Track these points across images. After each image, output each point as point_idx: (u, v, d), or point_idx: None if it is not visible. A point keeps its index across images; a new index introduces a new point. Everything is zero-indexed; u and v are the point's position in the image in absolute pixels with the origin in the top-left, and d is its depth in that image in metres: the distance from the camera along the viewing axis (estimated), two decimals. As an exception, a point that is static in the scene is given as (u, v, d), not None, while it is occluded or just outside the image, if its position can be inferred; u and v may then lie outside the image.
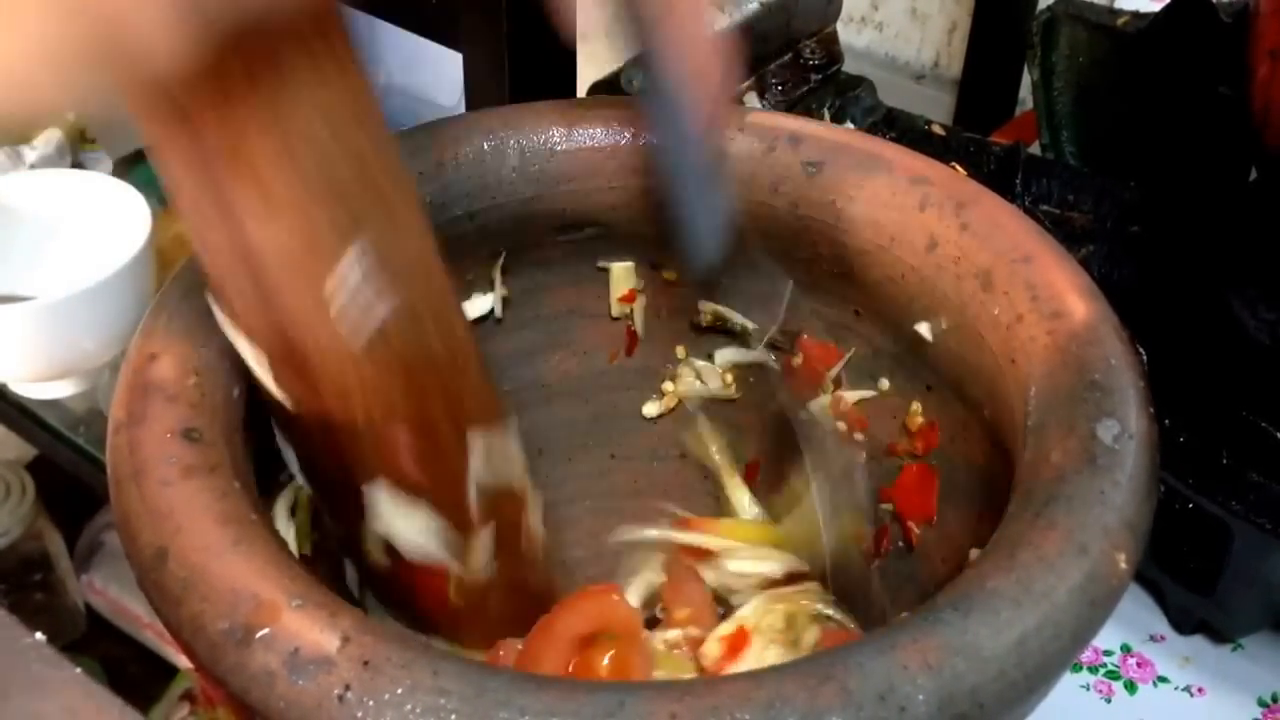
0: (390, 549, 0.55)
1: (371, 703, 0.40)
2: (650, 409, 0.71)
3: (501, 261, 0.66)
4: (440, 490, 0.55)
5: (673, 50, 0.56)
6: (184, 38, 0.37)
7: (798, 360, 0.66)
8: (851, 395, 0.65)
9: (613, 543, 0.68)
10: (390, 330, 0.50)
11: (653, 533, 0.67)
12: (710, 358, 0.69)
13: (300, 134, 0.46)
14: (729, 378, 0.69)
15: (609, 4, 0.57)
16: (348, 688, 0.40)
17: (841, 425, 0.66)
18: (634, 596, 0.66)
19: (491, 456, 0.56)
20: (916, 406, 0.63)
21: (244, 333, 0.51)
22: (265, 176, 0.46)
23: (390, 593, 0.58)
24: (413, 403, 0.53)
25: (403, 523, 0.54)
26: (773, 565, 0.65)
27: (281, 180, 0.46)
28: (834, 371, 0.65)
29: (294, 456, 0.56)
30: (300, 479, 0.56)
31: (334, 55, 0.47)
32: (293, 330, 0.49)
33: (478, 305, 0.66)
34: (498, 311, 0.67)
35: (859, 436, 0.65)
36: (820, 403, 0.66)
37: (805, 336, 0.66)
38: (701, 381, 0.70)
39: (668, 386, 0.70)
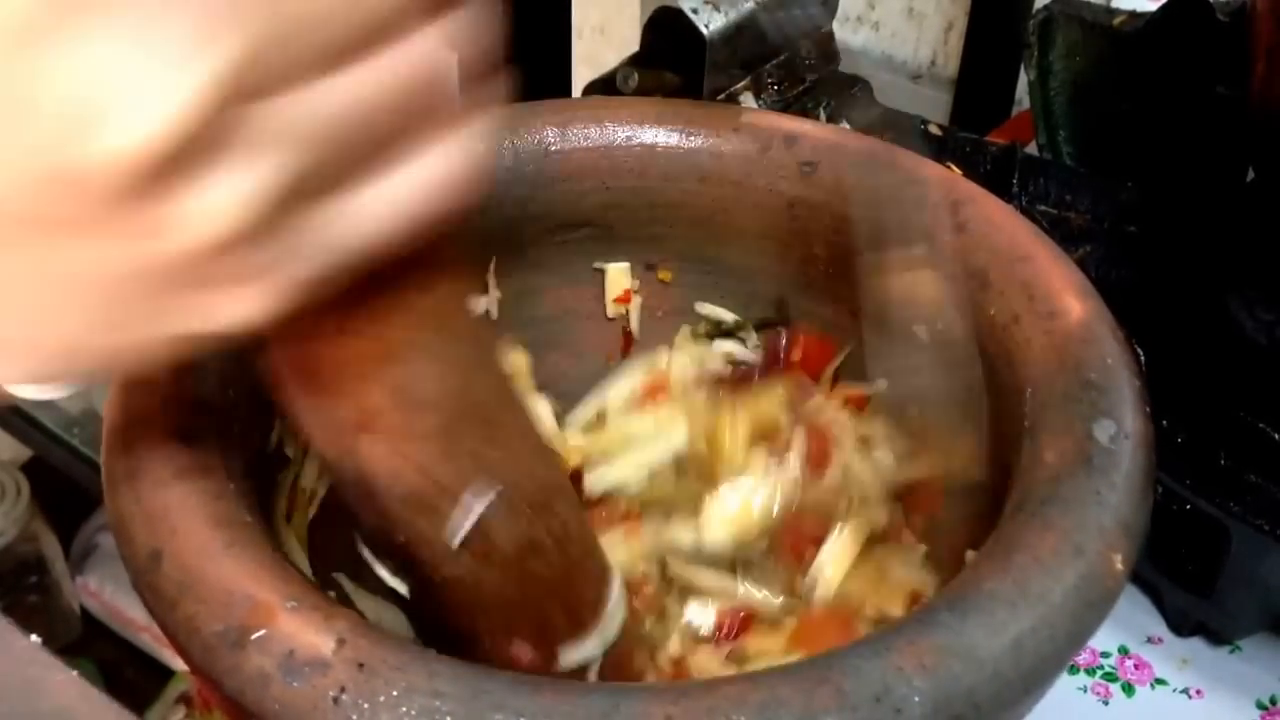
0: None
1: (366, 705, 0.40)
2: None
3: (495, 263, 0.65)
4: None
5: None
6: (269, 301, 0.36)
7: (796, 355, 0.66)
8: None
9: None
10: (490, 525, 0.49)
11: None
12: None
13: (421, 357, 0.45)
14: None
15: None
16: (343, 690, 0.40)
17: (843, 417, 0.65)
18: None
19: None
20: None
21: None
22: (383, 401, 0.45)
23: None
24: (519, 598, 0.52)
25: None
26: None
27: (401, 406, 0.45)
28: (832, 368, 0.65)
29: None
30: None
31: (449, 278, 0.45)
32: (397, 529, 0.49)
33: (473, 307, 0.66)
34: (493, 313, 0.66)
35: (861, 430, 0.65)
36: (817, 400, 0.66)
37: (802, 333, 0.65)
38: (700, 366, 0.69)
39: (661, 363, 0.70)
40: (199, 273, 0.34)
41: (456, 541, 0.47)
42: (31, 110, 0.30)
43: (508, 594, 0.51)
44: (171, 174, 0.31)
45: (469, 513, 0.48)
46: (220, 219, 0.32)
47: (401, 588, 0.51)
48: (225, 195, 0.32)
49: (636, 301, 0.68)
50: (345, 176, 0.35)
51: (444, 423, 0.47)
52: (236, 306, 0.35)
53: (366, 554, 0.51)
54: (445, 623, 0.52)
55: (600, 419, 0.68)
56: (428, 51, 0.35)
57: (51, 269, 0.34)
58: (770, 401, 0.65)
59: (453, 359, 0.46)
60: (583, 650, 0.53)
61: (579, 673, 0.53)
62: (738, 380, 0.67)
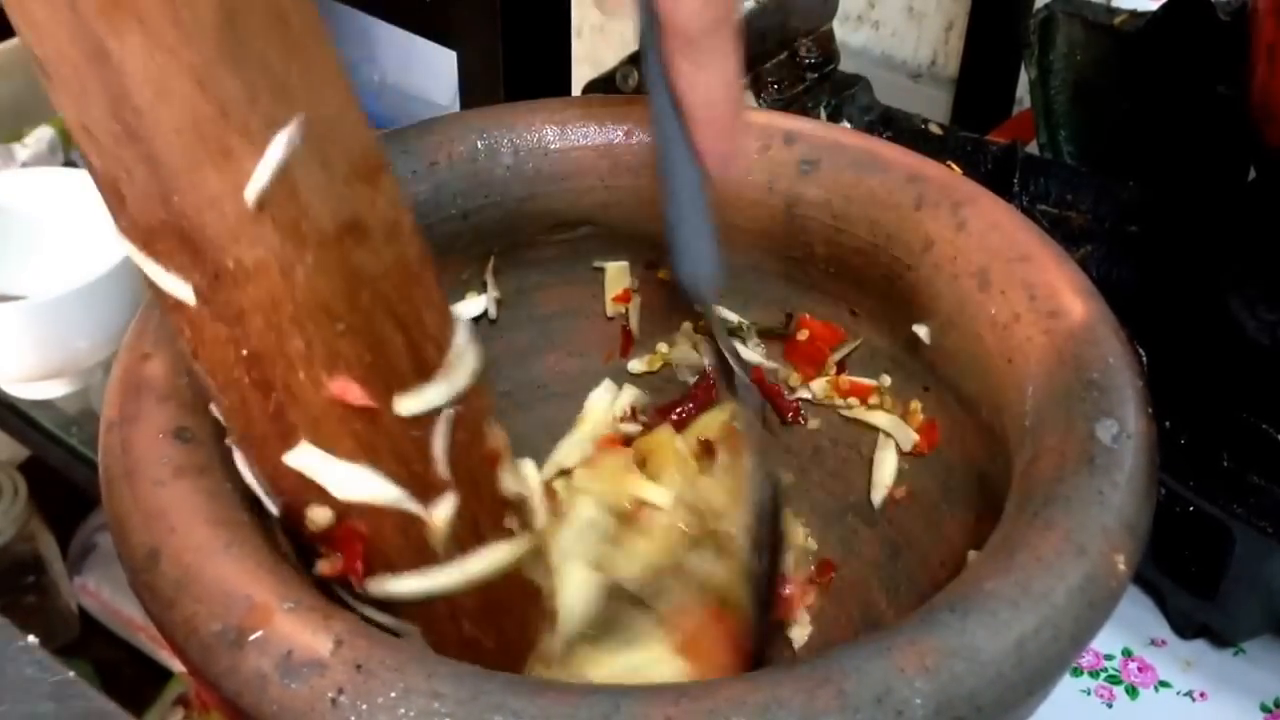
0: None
1: (365, 706, 0.40)
2: (636, 365, 0.70)
3: (494, 262, 0.65)
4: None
5: (688, 93, 0.54)
6: None
7: (803, 336, 0.66)
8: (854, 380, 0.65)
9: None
10: (294, 177, 0.41)
11: None
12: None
13: None
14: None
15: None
16: (341, 691, 0.40)
17: (849, 406, 0.66)
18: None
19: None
20: (915, 405, 0.63)
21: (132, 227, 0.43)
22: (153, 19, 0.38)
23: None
24: (343, 301, 0.45)
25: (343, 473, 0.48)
26: None
27: (178, 33, 0.38)
28: (839, 354, 0.65)
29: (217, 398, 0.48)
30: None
31: None
32: (184, 204, 0.41)
33: (472, 306, 0.66)
34: (492, 312, 0.66)
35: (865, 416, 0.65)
36: (820, 383, 0.66)
37: (809, 315, 0.65)
38: (698, 352, 0.69)
39: (661, 349, 0.70)
40: None
41: (255, 196, 0.41)
42: None
43: (327, 297, 0.44)
44: None
45: (273, 151, 0.40)
46: None
47: (184, 290, 0.43)
48: None
49: (636, 300, 0.68)
50: None
51: (224, 12, 0.39)
52: None
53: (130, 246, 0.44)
54: (242, 347, 0.44)
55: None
56: None
57: None
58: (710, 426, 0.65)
59: None
60: (425, 397, 0.48)
61: (422, 422, 0.48)
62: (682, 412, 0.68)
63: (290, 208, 0.42)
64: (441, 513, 0.50)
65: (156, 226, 0.42)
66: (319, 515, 0.48)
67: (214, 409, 0.48)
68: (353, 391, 0.45)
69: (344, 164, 0.43)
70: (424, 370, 0.48)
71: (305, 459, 0.46)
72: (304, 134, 0.41)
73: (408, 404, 0.47)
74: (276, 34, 0.40)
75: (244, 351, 0.44)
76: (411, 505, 0.49)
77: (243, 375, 0.45)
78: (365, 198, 0.44)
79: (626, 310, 0.68)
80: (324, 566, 0.49)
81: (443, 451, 0.49)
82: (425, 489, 0.49)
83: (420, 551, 0.50)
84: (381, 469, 0.48)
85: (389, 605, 0.50)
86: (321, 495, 0.47)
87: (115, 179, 0.42)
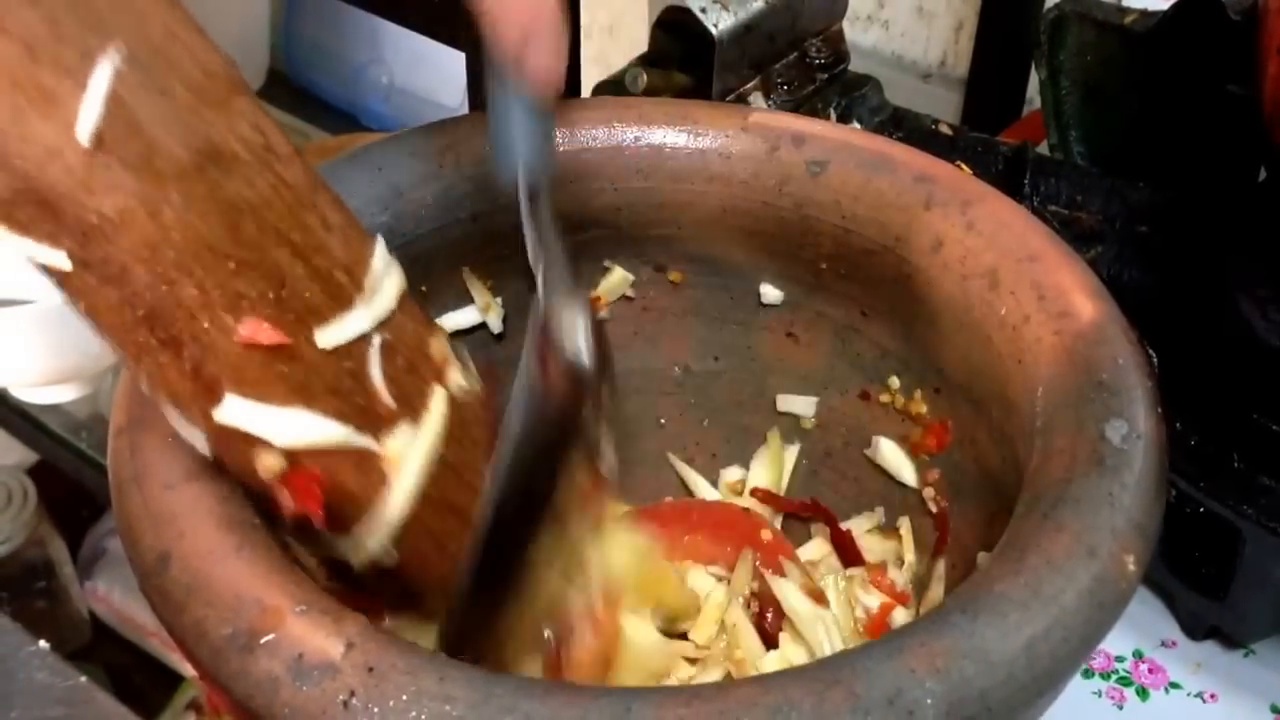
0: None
1: (376, 709, 0.40)
2: None
3: (501, 267, 0.65)
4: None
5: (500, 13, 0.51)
6: None
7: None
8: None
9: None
10: (129, 109, 0.39)
11: None
12: (716, 358, 0.69)
13: None
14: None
15: None
16: (352, 694, 0.40)
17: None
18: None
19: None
20: (924, 408, 0.63)
21: None
22: None
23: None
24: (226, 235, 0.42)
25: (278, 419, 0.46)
26: None
27: None
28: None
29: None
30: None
31: None
32: (25, 164, 0.39)
33: (476, 314, 0.65)
34: (494, 327, 0.66)
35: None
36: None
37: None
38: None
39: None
40: None
41: (88, 135, 0.39)
42: None
43: (206, 234, 0.42)
44: None
45: (95, 84, 0.38)
46: None
47: (59, 258, 0.41)
48: None
49: (643, 302, 0.68)
50: None
51: None
52: None
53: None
54: (137, 307, 0.42)
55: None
56: None
57: None
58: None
59: None
60: (346, 326, 0.46)
61: (353, 353, 0.46)
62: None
63: (134, 143, 0.39)
64: (396, 444, 0.48)
65: (9, 197, 0.40)
66: (270, 461, 0.45)
67: (137, 379, 0.45)
68: (264, 331, 0.43)
69: (186, 90, 0.41)
70: (340, 299, 0.46)
71: (235, 412, 0.44)
72: (129, 61, 0.39)
73: (328, 335, 0.45)
74: None
75: (139, 311, 0.42)
76: (362, 440, 0.47)
77: (148, 337, 0.43)
78: (220, 123, 0.42)
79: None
80: (284, 509, 0.46)
81: (381, 380, 0.47)
82: (374, 421, 0.48)
83: (384, 485, 0.48)
84: (319, 408, 0.46)
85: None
86: (266, 445, 0.45)
87: None
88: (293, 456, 0.46)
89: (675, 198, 0.64)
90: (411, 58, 1.43)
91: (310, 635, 0.42)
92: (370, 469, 0.48)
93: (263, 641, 0.41)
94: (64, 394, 0.98)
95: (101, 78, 0.39)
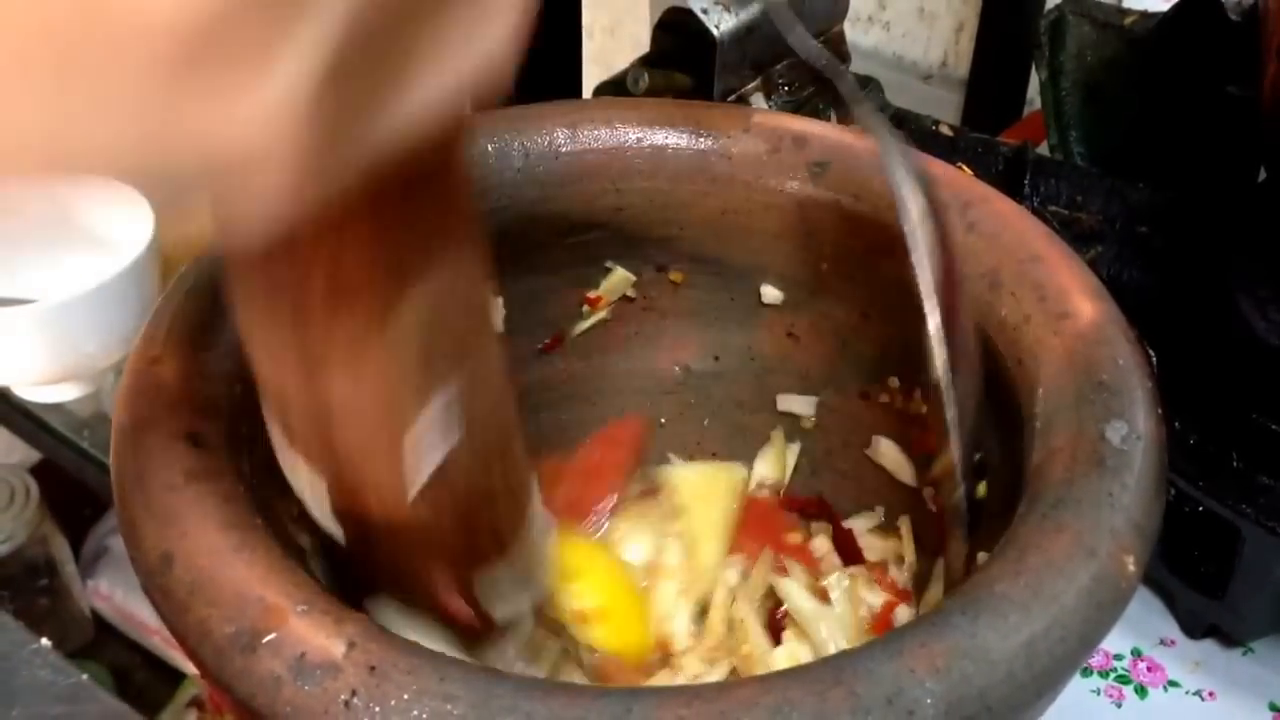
0: None
1: (378, 708, 0.40)
2: None
3: (504, 266, 0.65)
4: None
5: None
6: (310, 184, 0.32)
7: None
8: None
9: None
10: (450, 469, 0.46)
11: None
12: (717, 358, 0.69)
13: (416, 282, 0.41)
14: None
15: None
16: (354, 693, 0.40)
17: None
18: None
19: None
20: (925, 408, 0.63)
21: (304, 458, 0.47)
22: (366, 329, 0.41)
23: None
24: (460, 539, 0.50)
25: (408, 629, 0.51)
26: None
27: (384, 334, 0.42)
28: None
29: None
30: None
31: (450, 185, 0.42)
32: (350, 469, 0.46)
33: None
34: (497, 324, 0.66)
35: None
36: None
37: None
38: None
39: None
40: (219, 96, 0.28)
41: (414, 489, 0.45)
42: None
43: (453, 540, 0.49)
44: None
45: (430, 454, 0.45)
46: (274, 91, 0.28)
47: (339, 531, 0.48)
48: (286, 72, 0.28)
49: (646, 303, 0.68)
50: (393, 49, 0.31)
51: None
52: (273, 188, 0.31)
53: (305, 494, 0.48)
54: (378, 570, 0.50)
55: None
56: None
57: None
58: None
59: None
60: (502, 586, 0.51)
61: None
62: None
63: (441, 489, 0.46)
64: None
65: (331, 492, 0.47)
66: None
67: None
68: (458, 605, 0.51)
69: (486, 451, 0.48)
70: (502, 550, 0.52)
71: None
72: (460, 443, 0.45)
73: (502, 610, 0.52)
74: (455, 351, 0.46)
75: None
76: None
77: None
78: (498, 472, 0.49)
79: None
80: None
81: None
82: None
83: None
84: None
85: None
86: None
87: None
88: None
89: (677, 198, 0.64)
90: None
91: (312, 635, 0.42)
92: None
93: (265, 641, 0.41)
94: (66, 393, 0.97)
95: (441, 448, 0.45)
